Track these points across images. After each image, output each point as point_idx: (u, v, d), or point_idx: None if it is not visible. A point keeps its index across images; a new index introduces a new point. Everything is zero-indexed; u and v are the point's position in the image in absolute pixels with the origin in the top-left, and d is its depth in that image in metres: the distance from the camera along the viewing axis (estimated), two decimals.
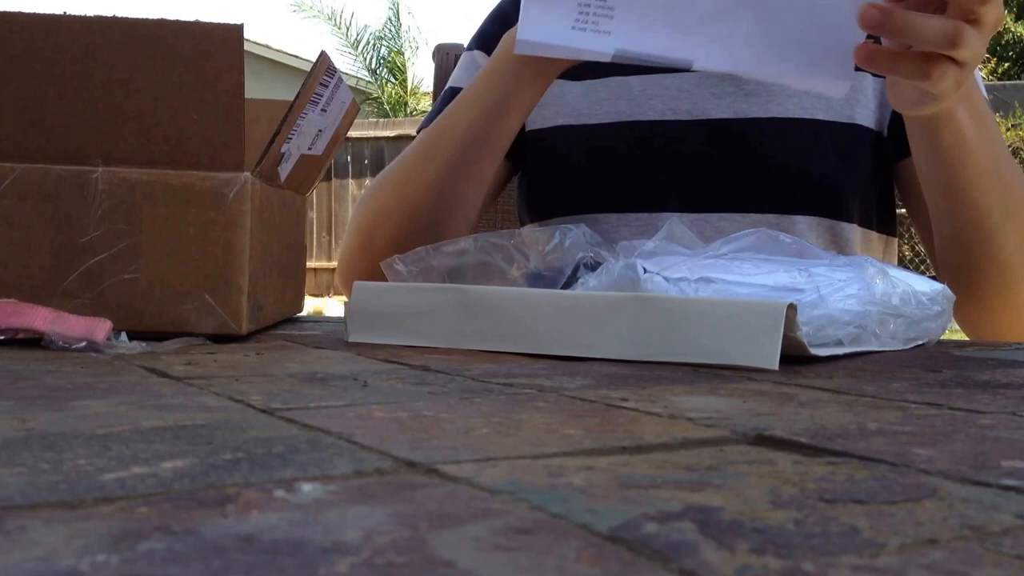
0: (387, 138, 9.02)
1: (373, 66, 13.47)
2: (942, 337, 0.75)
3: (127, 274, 0.70)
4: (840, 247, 1.02)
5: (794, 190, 1.00)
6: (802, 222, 1.01)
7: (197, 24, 0.71)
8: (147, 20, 0.71)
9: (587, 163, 1.05)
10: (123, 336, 0.66)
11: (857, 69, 0.75)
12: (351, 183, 9.09)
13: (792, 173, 0.91)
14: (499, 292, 0.68)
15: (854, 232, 1.03)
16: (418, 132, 1.07)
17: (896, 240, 1.10)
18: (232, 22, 0.71)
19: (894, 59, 0.73)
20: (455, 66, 1.14)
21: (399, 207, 0.98)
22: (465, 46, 1.14)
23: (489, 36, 1.09)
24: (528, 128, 1.08)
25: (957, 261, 0.90)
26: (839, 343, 0.65)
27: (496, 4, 1.14)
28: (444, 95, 1.09)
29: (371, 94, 13.08)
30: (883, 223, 1.06)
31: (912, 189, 1.00)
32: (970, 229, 0.88)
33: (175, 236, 0.71)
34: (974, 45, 0.72)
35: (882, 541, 0.24)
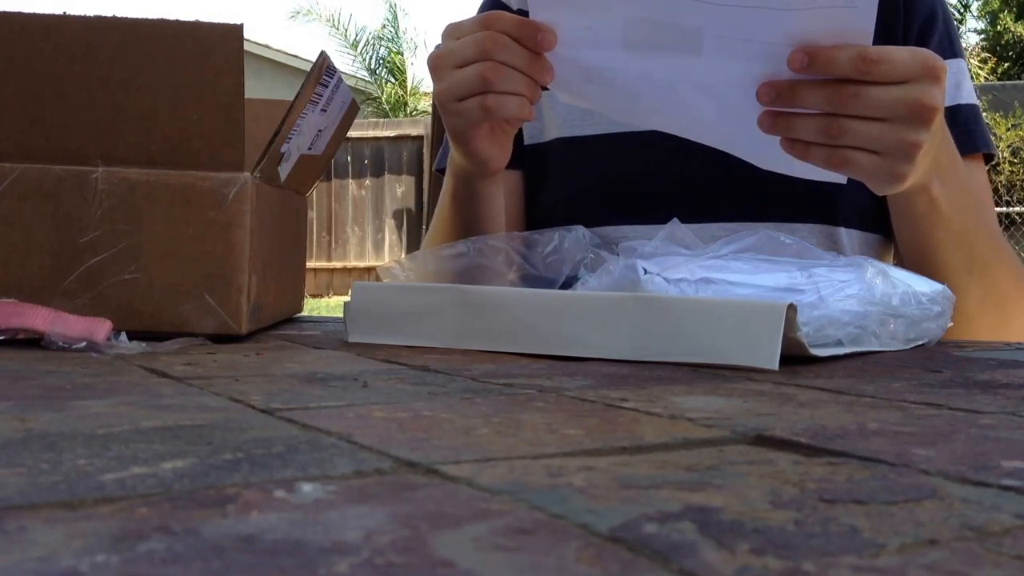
0: (387, 138, 9.01)
1: (372, 66, 13.49)
2: (942, 337, 0.75)
3: (127, 274, 0.70)
4: (842, 253, 1.02)
5: (794, 199, 1.00)
6: (803, 230, 1.00)
7: (197, 24, 0.71)
8: (147, 20, 0.71)
9: (582, 176, 1.05)
10: (123, 336, 0.66)
11: None
12: (351, 183, 9.09)
13: (793, 181, 0.90)
14: (499, 292, 0.68)
15: (855, 237, 1.03)
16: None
17: (893, 242, 1.10)
18: (232, 22, 0.71)
19: (806, 147, 0.73)
20: None
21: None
22: None
23: None
24: (527, 142, 1.08)
25: None
26: (839, 343, 0.65)
27: (481, 2, 1.14)
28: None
29: (371, 94, 13.09)
30: (884, 226, 1.05)
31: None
32: (935, 279, 0.90)
33: (175, 236, 0.71)
34: (864, 133, 0.70)
35: (882, 541, 0.24)
